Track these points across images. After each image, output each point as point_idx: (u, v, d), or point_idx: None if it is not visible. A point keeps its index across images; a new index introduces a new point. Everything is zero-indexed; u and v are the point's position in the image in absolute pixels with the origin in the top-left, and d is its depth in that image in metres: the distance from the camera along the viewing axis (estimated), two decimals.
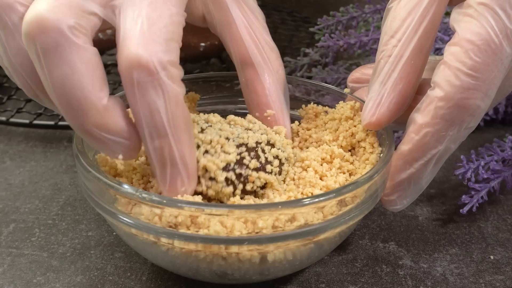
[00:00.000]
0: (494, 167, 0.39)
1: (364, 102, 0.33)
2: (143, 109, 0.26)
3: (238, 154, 0.29)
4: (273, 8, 0.74)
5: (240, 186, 0.29)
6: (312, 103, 0.37)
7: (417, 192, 0.32)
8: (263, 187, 0.30)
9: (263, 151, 0.30)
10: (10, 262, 0.34)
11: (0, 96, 0.53)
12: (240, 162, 0.29)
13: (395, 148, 0.31)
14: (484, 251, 0.36)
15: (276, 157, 0.30)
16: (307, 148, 0.35)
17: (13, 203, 0.40)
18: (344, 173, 0.32)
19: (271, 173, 0.30)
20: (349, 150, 0.34)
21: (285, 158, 0.31)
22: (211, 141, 0.29)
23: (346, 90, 0.37)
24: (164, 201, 0.26)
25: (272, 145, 0.31)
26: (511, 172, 0.40)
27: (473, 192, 0.38)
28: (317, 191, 0.30)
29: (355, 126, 0.34)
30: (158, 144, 0.27)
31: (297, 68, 0.53)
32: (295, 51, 0.58)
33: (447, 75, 0.29)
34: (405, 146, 0.30)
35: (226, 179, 0.29)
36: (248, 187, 0.29)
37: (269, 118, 0.34)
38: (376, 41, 0.50)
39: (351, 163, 0.33)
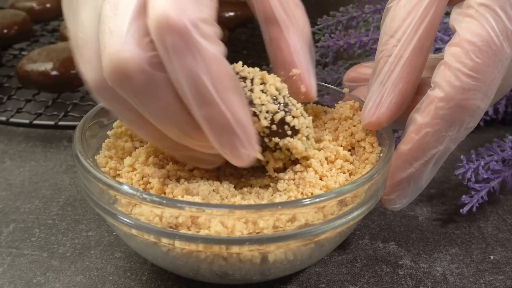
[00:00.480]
0: (494, 167, 0.39)
1: (362, 101, 0.33)
2: (183, 75, 0.24)
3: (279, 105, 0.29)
4: None
5: (282, 111, 0.29)
6: (311, 103, 0.37)
7: (416, 191, 0.32)
8: (295, 132, 0.30)
9: (302, 115, 0.30)
10: (10, 262, 0.34)
11: (0, 96, 0.53)
12: (286, 104, 0.30)
13: (395, 148, 0.31)
14: (484, 251, 0.36)
15: (306, 126, 0.31)
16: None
17: (13, 203, 0.40)
18: (344, 173, 0.32)
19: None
20: (349, 150, 0.34)
21: (310, 135, 0.31)
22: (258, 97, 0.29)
23: (346, 90, 0.37)
24: (165, 202, 0.26)
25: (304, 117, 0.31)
26: (511, 172, 0.40)
27: (473, 192, 0.39)
28: (317, 191, 0.30)
29: (354, 125, 0.34)
30: (208, 112, 0.25)
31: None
32: None
33: (448, 75, 0.29)
34: (405, 145, 0.30)
35: (275, 97, 0.29)
36: (288, 118, 0.29)
37: (294, 77, 0.32)
38: (376, 41, 0.50)
39: (351, 162, 0.33)
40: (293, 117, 0.29)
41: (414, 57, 0.30)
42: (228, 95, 0.25)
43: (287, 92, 0.30)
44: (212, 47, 0.24)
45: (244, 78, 0.30)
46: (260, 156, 0.27)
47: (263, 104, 0.29)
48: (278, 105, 0.29)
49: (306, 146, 0.30)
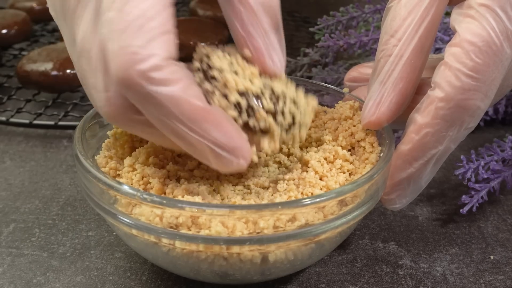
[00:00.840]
0: (494, 167, 0.39)
1: (362, 101, 0.33)
2: (152, 120, 0.26)
3: (261, 90, 0.28)
4: None
5: (244, 117, 0.27)
6: None
7: (416, 191, 0.32)
8: (264, 132, 0.28)
9: (284, 102, 0.28)
10: (10, 262, 0.34)
11: (0, 96, 0.53)
12: (258, 96, 0.28)
13: (395, 148, 0.31)
14: (484, 251, 0.36)
15: (292, 115, 0.29)
16: (306, 148, 0.35)
17: (13, 203, 0.40)
18: (344, 172, 0.32)
19: (279, 125, 0.28)
20: (349, 150, 0.34)
21: (300, 123, 0.29)
22: (244, 68, 0.28)
23: (345, 90, 0.37)
24: (165, 202, 0.26)
25: (295, 103, 0.29)
26: (511, 172, 0.40)
27: (473, 192, 0.39)
28: (317, 191, 0.30)
29: (354, 125, 0.34)
30: (186, 146, 0.26)
31: (297, 68, 0.53)
32: (295, 51, 0.58)
33: (448, 75, 0.29)
34: (405, 146, 0.30)
35: (237, 103, 0.27)
36: (251, 122, 0.27)
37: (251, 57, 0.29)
38: (376, 41, 0.50)
39: (351, 162, 0.33)
40: (258, 120, 0.28)
41: (414, 56, 0.30)
42: (200, 125, 0.25)
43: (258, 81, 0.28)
44: (168, 89, 0.24)
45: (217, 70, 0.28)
46: (255, 159, 0.27)
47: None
48: (239, 110, 0.27)
49: (283, 139, 0.29)
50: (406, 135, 0.31)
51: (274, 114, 0.28)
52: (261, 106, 0.28)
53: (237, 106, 0.27)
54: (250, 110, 0.27)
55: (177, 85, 0.25)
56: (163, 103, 0.24)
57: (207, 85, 0.28)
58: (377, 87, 0.31)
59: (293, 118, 0.29)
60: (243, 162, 0.26)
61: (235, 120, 0.27)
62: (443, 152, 0.30)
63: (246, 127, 0.28)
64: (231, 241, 0.26)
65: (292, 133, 0.29)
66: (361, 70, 0.36)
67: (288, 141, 0.29)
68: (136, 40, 0.24)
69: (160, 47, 0.24)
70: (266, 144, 0.28)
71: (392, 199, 0.32)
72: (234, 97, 0.27)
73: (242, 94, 0.27)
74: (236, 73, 0.28)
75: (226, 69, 0.28)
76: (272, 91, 0.28)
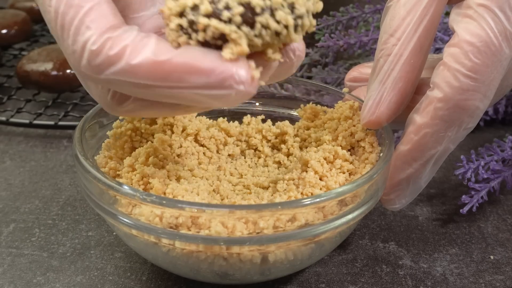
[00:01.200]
0: (494, 167, 0.39)
1: (362, 101, 0.33)
2: (138, 96, 0.25)
3: None
4: None
5: (194, 36, 0.23)
6: (311, 103, 0.37)
7: (416, 191, 0.32)
8: (224, 39, 0.23)
9: None
10: (10, 262, 0.34)
11: (0, 96, 0.53)
12: (195, 7, 0.23)
13: (394, 148, 0.31)
14: (484, 251, 0.36)
15: (246, 3, 0.23)
16: (306, 148, 0.35)
17: (13, 203, 0.40)
18: (344, 172, 0.32)
19: (228, 22, 0.23)
20: (349, 150, 0.34)
21: (270, 8, 0.23)
22: None
23: (345, 90, 0.37)
24: (165, 202, 0.26)
25: None
26: (511, 172, 0.40)
27: (473, 192, 0.39)
28: (317, 191, 0.30)
29: (354, 125, 0.34)
30: (188, 103, 0.24)
31: (297, 68, 0.53)
32: None
33: (447, 76, 0.29)
34: (404, 146, 0.31)
35: (180, 26, 0.24)
36: (199, 36, 0.23)
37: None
38: (376, 41, 0.50)
39: (351, 162, 0.33)
40: (203, 31, 0.23)
41: (413, 56, 0.30)
42: (170, 80, 0.23)
43: None
44: (118, 65, 0.23)
45: None
46: (257, 74, 0.23)
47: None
48: (185, 33, 0.24)
49: (250, 37, 0.23)
50: (405, 135, 0.31)
51: (217, 15, 0.23)
52: (199, 14, 0.23)
53: (182, 29, 0.24)
54: (194, 26, 0.23)
55: (124, 56, 0.23)
56: (123, 81, 0.23)
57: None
58: (376, 86, 0.31)
59: (249, 3, 0.23)
60: (242, 87, 0.23)
61: (190, 44, 0.24)
62: (442, 153, 0.30)
63: (205, 45, 0.24)
64: (231, 241, 0.26)
65: (276, 21, 0.23)
66: (362, 70, 0.36)
67: (268, 37, 0.23)
68: (68, 40, 0.23)
69: (92, 26, 0.23)
70: (227, 53, 0.23)
71: (392, 200, 0.32)
72: (173, 23, 0.24)
73: (181, 14, 0.24)
74: None
75: None
76: None
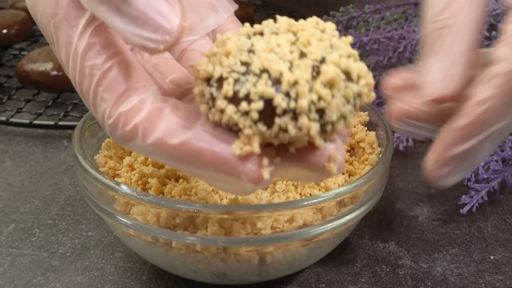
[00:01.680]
0: (494, 167, 0.39)
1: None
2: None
3: (230, 72, 0.21)
4: (274, 8, 0.74)
5: (213, 111, 0.21)
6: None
7: (470, 168, 0.30)
8: (239, 128, 0.21)
9: (255, 84, 0.20)
10: (10, 262, 0.34)
11: (0, 96, 0.53)
12: (219, 80, 0.21)
13: (449, 124, 0.30)
14: (484, 251, 0.36)
15: (269, 99, 0.20)
16: None
17: (13, 203, 0.40)
18: (343, 173, 0.32)
19: (245, 114, 0.21)
20: (348, 151, 0.34)
21: (306, 109, 0.20)
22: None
23: None
24: (162, 202, 0.26)
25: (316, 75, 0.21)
26: (511, 172, 0.40)
27: (473, 192, 0.38)
28: (315, 192, 0.30)
29: (354, 126, 0.34)
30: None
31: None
32: None
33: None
34: (462, 119, 0.28)
35: (202, 93, 0.22)
36: (216, 116, 0.21)
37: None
38: (376, 41, 0.50)
39: (350, 163, 0.33)
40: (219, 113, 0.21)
41: (477, 28, 0.28)
42: (180, 162, 0.22)
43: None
44: (138, 142, 0.23)
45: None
46: (266, 175, 0.21)
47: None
48: (206, 103, 0.22)
49: (265, 136, 0.21)
50: (464, 109, 0.28)
51: (236, 101, 0.20)
52: (221, 93, 0.21)
53: (204, 97, 0.22)
54: (214, 102, 0.21)
55: (138, 135, 0.22)
56: (146, 153, 0.23)
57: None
58: (442, 59, 0.28)
59: (263, 97, 0.20)
60: (249, 186, 0.22)
61: (208, 117, 0.21)
62: (505, 128, 0.28)
63: (222, 125, 0.22)
64: (228, 242, 0.26)
65: (303, 126, 0.20)
66: (404, 76, 0.34)
67: (286, 140, 0.21)
68: (90, 108, 0.23)
69: (106, 98, 0.23)
70: (237, 148, 0.21)
71: (441, 176, 0.30)
72: (198, 88, 0.22)
73: (208, 80, 0.21)
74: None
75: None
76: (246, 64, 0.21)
